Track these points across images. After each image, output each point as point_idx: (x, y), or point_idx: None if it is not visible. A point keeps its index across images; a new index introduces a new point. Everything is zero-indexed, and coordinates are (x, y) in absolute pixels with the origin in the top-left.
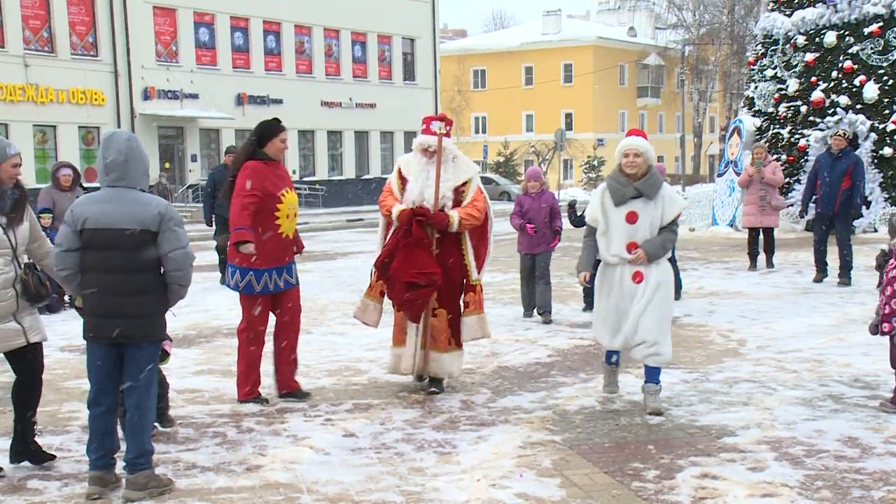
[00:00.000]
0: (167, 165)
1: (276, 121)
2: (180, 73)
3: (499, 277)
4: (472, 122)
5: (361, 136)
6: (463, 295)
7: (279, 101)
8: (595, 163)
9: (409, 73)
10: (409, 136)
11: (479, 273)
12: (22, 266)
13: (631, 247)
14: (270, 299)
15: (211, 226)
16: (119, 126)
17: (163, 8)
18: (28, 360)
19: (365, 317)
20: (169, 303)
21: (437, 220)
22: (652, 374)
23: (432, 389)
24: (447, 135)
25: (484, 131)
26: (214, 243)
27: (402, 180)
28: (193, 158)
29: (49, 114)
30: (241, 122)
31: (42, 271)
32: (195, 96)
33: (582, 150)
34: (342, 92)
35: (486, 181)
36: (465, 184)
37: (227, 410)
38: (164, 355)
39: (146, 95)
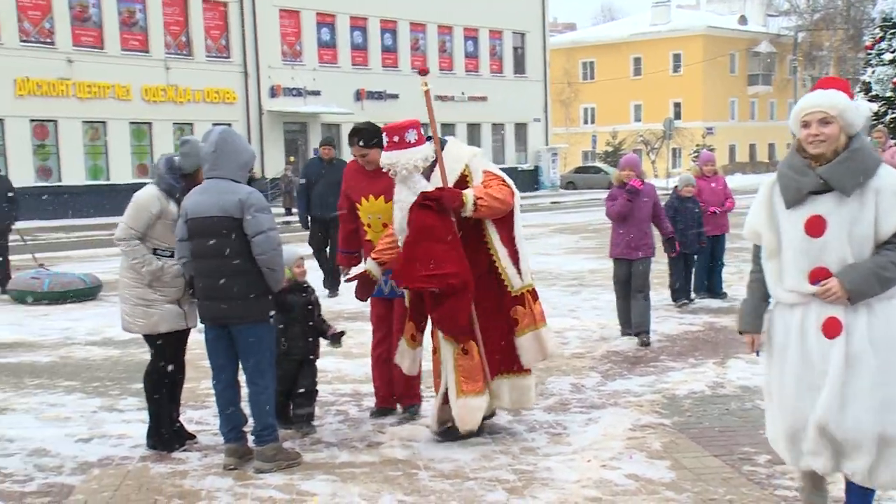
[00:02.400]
0: (292, 159)
1: (354, 130)
2: (304, 72)
3: (607, 264)
4: (580, 112)
5: (473, 129)
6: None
7: (395, 96)
8: (704, 151)
9: (519, 67)
10: (520, 127)
11: (521, 277)
12: None
13: (817, 275)
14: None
15: (306, 228)
16: (248, 122)
17: (288, 10)
18: (184, 346)
19: (403, 362)
20: (268, 286)
21: (448, 197)
22: (858, 498)
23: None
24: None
25: (592, 122)
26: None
27: None
28: (316, 152)
29: (187, 112)
30: (359, 117)
31: None
32: (317, 93)
33: (691, 138)
34: (455, 86)
35: (594, 170)
36: (464, 173)
37: (349, 390)
38: (337, 338)
39: (273, 93)
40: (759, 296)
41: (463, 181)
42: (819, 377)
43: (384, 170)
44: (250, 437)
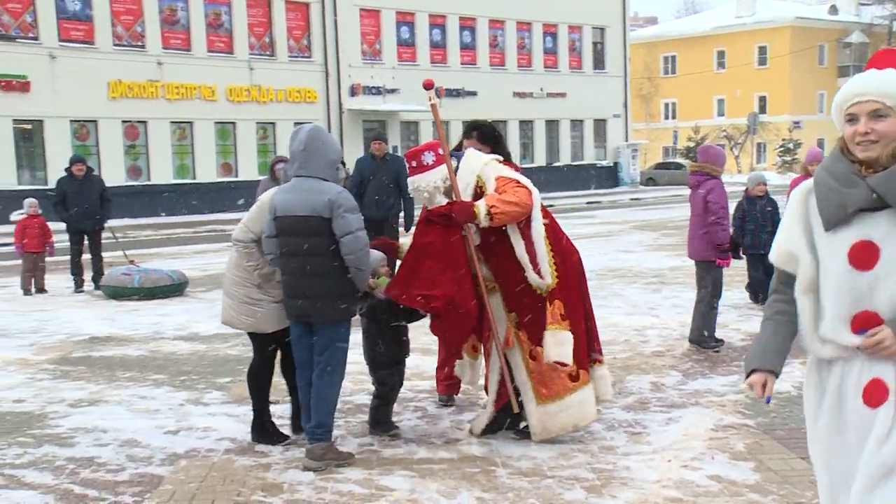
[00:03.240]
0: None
1: (472, 125)
2: (383, 70)
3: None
4: (661, 108)
5: (552, 125)
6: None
7: (473, 94)
8: (791, 145)
9: (599, 62)
10: (599, 123)
11: (541, 276)
12: None
13: (863, 322)
14: None
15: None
16: (329, 121)
17: (368, 10)
18: (281, 342)
19: (463, 373)
20: (353, 286)
21: (457, 210)
22: None
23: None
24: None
25: (674, 117)
26: None
27: None
28: (395, 150)
29: (269, 112)
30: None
31: None
32: (396, 91)
33: (776, 133)
34: (533, 82)
35: (675, 166)
36: (478, 188)
37: (427, 387)
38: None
39: (353, 92)
40: (784, 332)
41: (479, 193)
42: (857, 456)
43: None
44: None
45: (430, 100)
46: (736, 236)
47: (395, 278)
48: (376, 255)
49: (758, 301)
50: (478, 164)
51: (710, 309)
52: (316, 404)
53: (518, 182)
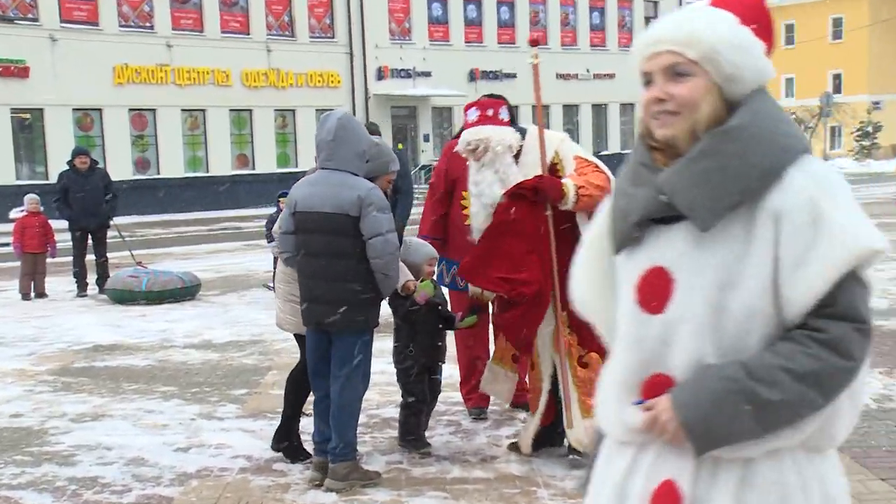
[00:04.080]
0: (400, 146)
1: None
2: (413, 51)
3: None
4: None
5: (599, 110)
6: None
7: (513, 76)
8: (870, 128)
9: None
10: None
11: None
12: None
13: (652, 388)
14: None
15: None
16: (354, 107)
17: None
18: None
19: (494, 389)
20: (380, 293)
21: (548, 185)
22: None
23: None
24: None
25: None
26: None
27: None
28: (426, 138)
29: (289, 98)
30: (473, 99)
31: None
32: (427, 74)
33: (853, 114)
34: (579, 63)
35: None
36: (553, 165)
37: (460, 399)
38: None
39: (380, 75)
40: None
41: (553, 171)
42: None
43: (470, 147)
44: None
45: (534, 57)
46: None
47: (469, 258)
48: (426, 250)
49: None
50: (555, 138)
51: None
52: (338, 423)
53: (597, 165)
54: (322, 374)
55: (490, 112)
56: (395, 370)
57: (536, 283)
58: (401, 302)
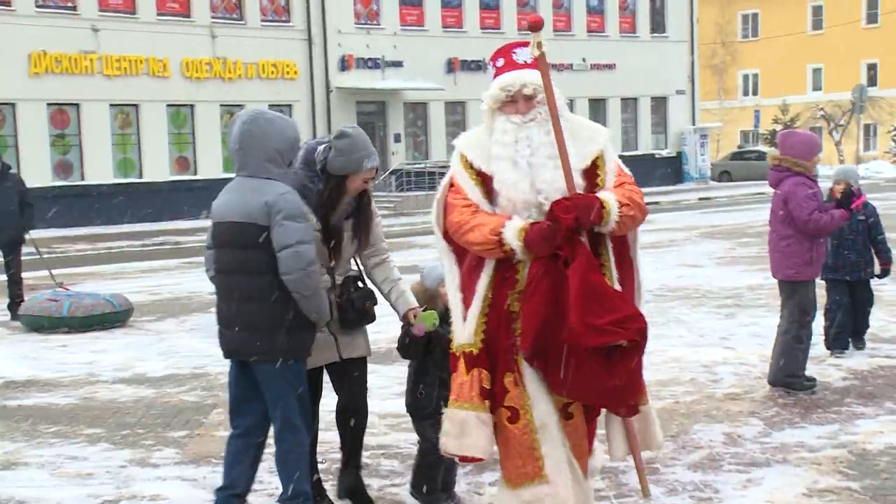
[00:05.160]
0: None
1: None
2: (382, 38)
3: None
4: (739, 81)
5: (597, 105)
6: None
7: None
8: None
9: (657, 25)
10: (658, 102)
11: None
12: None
13: None
14: None
15: None
16: (313, 102)
17: None
18: (346, 380)
19: (464, 445)
20: (304, 315)
21: (584, 206)
22: None
23: None
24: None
25: (755, 93)
26: None
27: (482, 177)
28: (397, 138)
29: (237, 91)
30: (451, 93)
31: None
32: (399, 64)
33: (890, 111)
34: (574, 51)
35: (758, 156)
36: (596, 161)
37: None
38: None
39: (343, 66)
40: None
41: (592, 172)
42: None
43: (526, 92)
44: None
45: (538, 48)
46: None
47: (573, 308)
48: (437, 272)
49: (840, 347)
50: (603, 133)
51: (796, 343)
52: (284, 471)
53: (632, 179)
54: (242, 413)
55: (530, 58)
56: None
57: (641, 318)
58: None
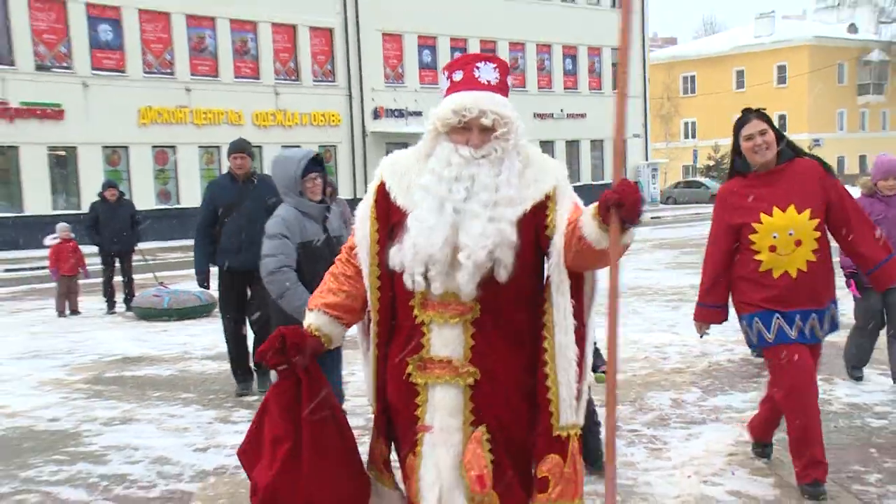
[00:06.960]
0: None
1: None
2: (406, 93)
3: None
4: (681, 127)
5: (572, 146)
6: (535, 462)
7: None
8: None
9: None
10: None
11: (578, 404)
12: None
13: None
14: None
15: None
16: (353, 143)
17: (390, 34)
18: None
19: None
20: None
21: (630, 195)
22: None
23: None
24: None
25: (693, 136)
26: None
27: (391, 210)
28: None
29: (294, 135)
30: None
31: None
32: (419, 114)
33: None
34: (554, 104)
35: (695, 185)
36: (547, 198)
37: None
38: None
39: (376, 115)
40: None
41: (541, 209)
42: None
43: (483, 121)
44: None
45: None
46: None
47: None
48: None
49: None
50: (556, 167)
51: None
52: None
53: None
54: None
55: (494, 78)
56: None
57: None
58: None
